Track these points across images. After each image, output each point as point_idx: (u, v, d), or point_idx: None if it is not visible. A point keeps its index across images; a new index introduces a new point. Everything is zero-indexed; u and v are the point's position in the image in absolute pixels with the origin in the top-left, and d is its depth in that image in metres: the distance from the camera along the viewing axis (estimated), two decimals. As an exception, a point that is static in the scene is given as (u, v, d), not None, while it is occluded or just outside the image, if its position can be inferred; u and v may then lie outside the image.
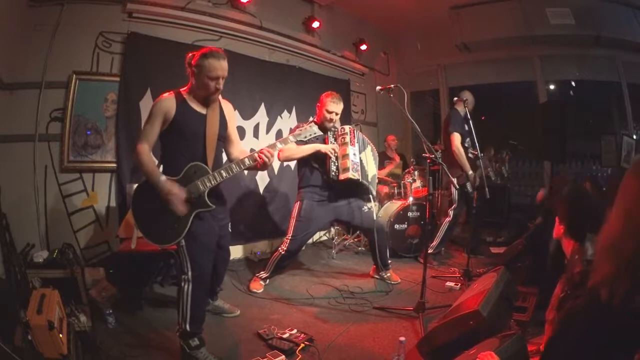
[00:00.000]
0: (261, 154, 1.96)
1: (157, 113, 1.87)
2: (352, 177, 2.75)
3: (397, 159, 4.91)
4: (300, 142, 2.68)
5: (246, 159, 1.97)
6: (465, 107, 3.66)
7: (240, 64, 3.77)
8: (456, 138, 3.56)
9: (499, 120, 5.87)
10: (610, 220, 0.98)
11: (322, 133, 2.64)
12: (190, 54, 1.90)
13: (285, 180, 4.16)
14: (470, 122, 3.38)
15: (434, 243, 3.75)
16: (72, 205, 2.97)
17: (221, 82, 1.89)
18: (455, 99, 3.78)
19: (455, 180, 3.17)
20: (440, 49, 5.43)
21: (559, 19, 4.44)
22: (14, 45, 2.72)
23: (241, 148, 2.21)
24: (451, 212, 3.73)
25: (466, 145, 3.65)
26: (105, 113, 3.06)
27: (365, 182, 2.90)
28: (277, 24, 4.11)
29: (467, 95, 3.71)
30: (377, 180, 3.20)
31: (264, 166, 2.02)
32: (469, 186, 3.52)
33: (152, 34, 3.23)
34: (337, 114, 2.90)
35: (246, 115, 3.89)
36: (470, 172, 3.55)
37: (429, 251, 3.67)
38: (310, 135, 2.13)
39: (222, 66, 1.86)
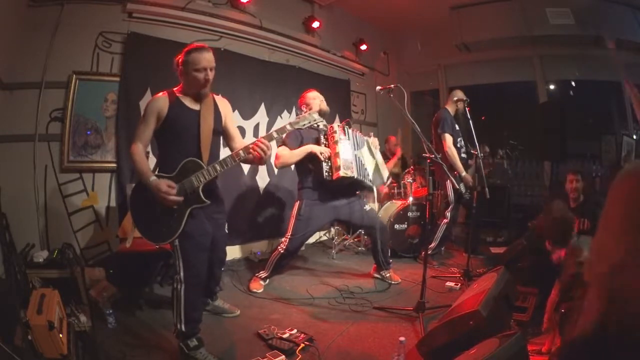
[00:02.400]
0: (255, 146, 1.90)
1: (150, 112, 1.89)
2: (344, 175, 2.72)
3: (399, 151, 4.85)
4: (291, 135, 2.75)
5: (241, 151, 1.93)
6: (457, 107, 3.64)
7: (240, 64, 3.77)
8: (448, 139, 3.52)
9: (499, 120, 5.86)
10: (605, 244, 0.88)
11: (322, 119, 2.64)
12: (177, 57, 1.94)
13: (285, 180, 4.16)
14: (470, 121, 3.36)
15: (432, 245, 3.75)
16: (72, 205, 2.97)
17: (210, 73, 1.90)
18: (456, 99, 3.73)
19: (454, 181, 3.16)
20: (440, 49, 5.43)
21: (559, 19, 4.44)
22: (14, 45, 2.72)
23: (242, 141, 2.20)
24: (448, 214, 3.71)
25: (458, 145, 3.62)
26: (105, 113, 3.06)
27: (363, 179, 2.90)
28: (277, 24, 4.11)
29: (460, 95, 3.67)
30: (384, 168, 3.17)
31: (261, 160, 1.95)
32: (462, 187, 3.50)
33: (152, 34, 3.23)
34: (320, 96, 2.98)
35: (246, 115, 3.89)
36: (464, 173, 3.51)
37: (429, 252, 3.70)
38: (309, 122, 2.07)
39: (206, 57, 1.88)
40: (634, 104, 3.59)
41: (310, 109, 2.92)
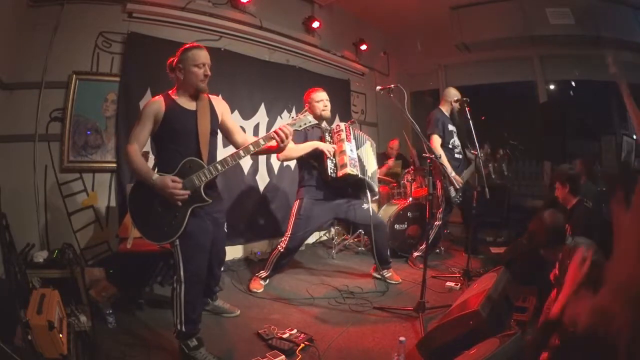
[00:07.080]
0: (279, 131, 1.97)
1: (146, 115, 1.90)
2: (351, 172, 2.74)
3: (391, 161, 4.86)
4: (295, 132, 2.69)
5: (241, 151, 1.97)
6: (452, 106, 3.59)
7: (240, 64, 3.77)
8: (435, 140, 3.47)
9: (499, 120, 5.86)
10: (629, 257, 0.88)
11: (317, 122, 2.66)
12: (170, 59, 1.99)
13: (285, 179, 4.16)
14: (471, 122, 3.30)
15: (423, 246, 3.63)
16: (72, 205, 2.97)
17: (208, 69, 1.96)
18: (453, 99, 3.65)
19: (455, 182, 3.15)
20: (440, 49, 5.43)
21: (559, 19, 4.44)
22: (14, 45, 2.71)
23: (244, 135, 2.23)
24: (439, 215, 3.62)
25: (450, 146, 3.57)
26: (105, 113, 3.06)
27: (365, 177, 2.90)
28: (277, 24, 4.11)
29: (454, 93, 3.60)
30: (377, 176, 3.18)
31: (279, 148, 2.02)
32: (452, 190, 3.42)
33: (152, 34, 3.23)
34: (327, 99, 2.95)
35: (246, 115, 3.89)
36: (453, 173, 3.39)
37: (416, 254, 3.69)
38: (305, 124, 2.09)
39: (204, 54, 1.95)
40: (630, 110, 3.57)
41: (309, 110, 2.92)
